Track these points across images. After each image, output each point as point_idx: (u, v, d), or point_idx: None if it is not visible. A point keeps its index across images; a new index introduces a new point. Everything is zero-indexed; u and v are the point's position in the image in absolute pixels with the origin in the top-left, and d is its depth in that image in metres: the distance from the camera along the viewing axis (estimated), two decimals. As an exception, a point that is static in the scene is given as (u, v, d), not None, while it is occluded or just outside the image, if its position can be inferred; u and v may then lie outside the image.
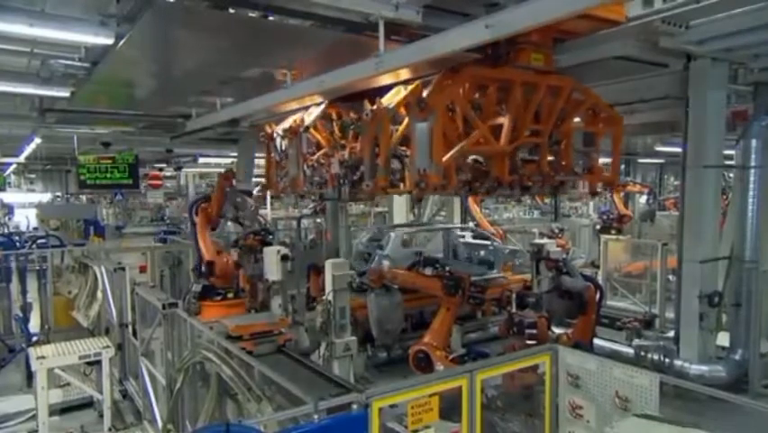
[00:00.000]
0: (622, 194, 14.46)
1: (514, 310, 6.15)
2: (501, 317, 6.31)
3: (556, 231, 13.56)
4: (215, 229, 7.39)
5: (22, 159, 17.16)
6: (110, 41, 4.96)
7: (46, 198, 24.12)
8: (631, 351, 6.57)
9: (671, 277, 8.06)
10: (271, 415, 3.38)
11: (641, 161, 17.09)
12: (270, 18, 4.69)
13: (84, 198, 22.56)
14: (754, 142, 6.14)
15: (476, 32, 3.74)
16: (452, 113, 4.54)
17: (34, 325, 8.80)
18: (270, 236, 6.66)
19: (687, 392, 3.74)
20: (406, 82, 4.84)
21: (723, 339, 6.34)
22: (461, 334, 6.27)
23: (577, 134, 5.18)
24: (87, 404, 6.90)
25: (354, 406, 2.95)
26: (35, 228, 18.62)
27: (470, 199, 11.25)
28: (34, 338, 8.22)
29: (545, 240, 7.35)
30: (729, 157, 6.83)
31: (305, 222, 14.40)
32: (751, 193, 6.18)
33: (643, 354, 6.30)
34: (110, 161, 12.08)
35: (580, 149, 5.23)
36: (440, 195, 10.64)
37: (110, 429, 6.17)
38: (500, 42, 4.34)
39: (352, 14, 4.47)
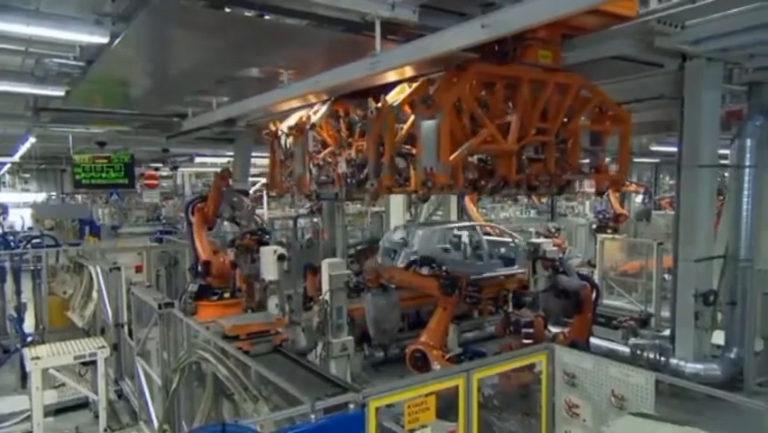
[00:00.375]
0: (618, 193, 14.50)
1: (511, 310, 6.17)
2: (498, 317, 6.32)
3: (553, 230, 13.61)
4: (212, 229, 7.40)
5: (16, 158, 17.10)
6: (105, 40, 4.94)
7: (41, 197, 24.01)
8: (627, 350, 6.59)
9: (666, 276, 8.09)
10: (268, 415, 3.38)
11: (636, 160, 17.11)
12: (266, 17, 4.68)
13: (79, 197, 22.47)
14: (748, 142, 6.17)
15: (472, 32, 3.74)
16: (459, 111, 4.51)
17: (29, 325, 8.76)
18: (267, 236, 6.67)
19: (682, 391, 3.76)
20: (411, 80, 4.83)
21: (718, 338, 6.38)
22: (457, 333, 6.27)
23: (584, 133, 5.18)
24: (83, 405, 6.88)
25: (351, 406, 2.95)
26: (30, 228, 18.53)
27: (467, 198, 11.26)
28: (29, 339, 8.19)
29: (542, 239, 7.36)
30: (724, 156, 6.86)
31: (301, 221, 14.40)
32: (745, 192, 6.21)
33: (639, 352, 6.33)
34: (105, 161, 12.05)
35: (587, 148, 5.23)
36: (442, 194, 10.64)
37: (105, 430, 6.15)
38: (507, 39, 4.31)
39: (349, 14, 4.46)
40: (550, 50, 4.58)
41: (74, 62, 6.02)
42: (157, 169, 20.17)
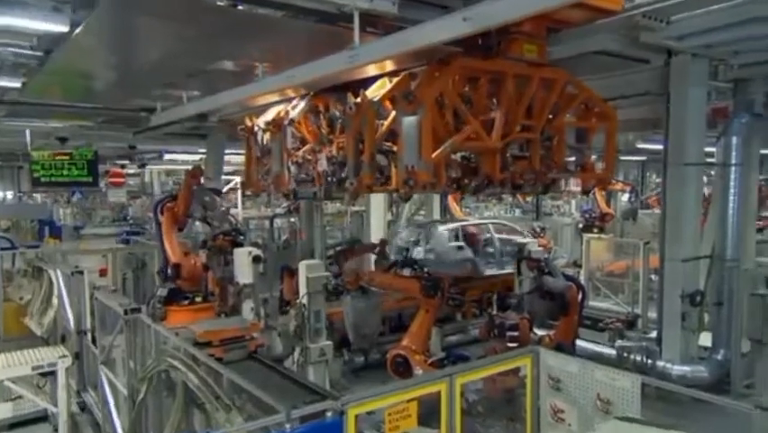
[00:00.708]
0: (604, 192, 14.73)
1: (495, 312, 6.22)
2: (482, 319, 6.38)
3: (538, 230, 13.77)
4: (182, 230, 7.33)
5: (-32, 155, 16.67)
6: (65, 29, 4.84)
7: (-4, 196, 23.44)
8: (613, 352, 6.70)
9: (653, 276, 8.25)
10: (241, 425, 3.36)
11: (623, 158, 17.44)
12: (240, 7, 4.65)
13: (38, 196, 22.00)
14: (734, 140, 6.31)
15: (454, 25, 3.76)
16: (442, 107, 4.53)
17: (-18, 333, 8.55)
18: (241, 237, 6.63)
19: (669, 394, 3.84)
20: (392, 74, 4.83)
21: (706, 339, 6.51)
22: (440, 337, 6.31)
23: (569, 130, 5.24)
24: (42, 418, 6.75)
25: (329, 413, 2.95)
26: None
27: (450, 197, 11.35)
28: (-17, 348, 7.99)
29: (527, 239, 7.46)
30: (711, 155, 7.01)
31: (278, 221, 14.32)
32: (732, 191, 6.34)
33: (625, 355, 6.43)
34: (67, 158, 11.81)
35: (573, 145, 5.30)
36: (424, 193, 10.72)
37: (67, 444, 6.04)
38: (491, 33, 4.34)
39: (326, 4, 4.45)
40: (535, 44, 4.62)
41: (30, 52, 5.87)
42: (123, 166, 19.86)
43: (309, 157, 5.53)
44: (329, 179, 5.14)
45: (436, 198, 11.79)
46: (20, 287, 8.60)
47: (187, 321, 5.31)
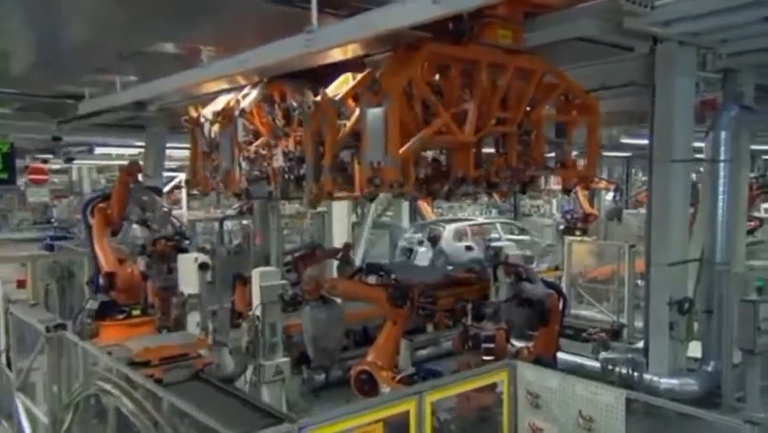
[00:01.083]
0: (587, 191, 15.10)
1: (470, 322, 6.30)
2: (456, 331, 6.45)
3: (516, 232, 14.01)
4: (117, 234, 7.23)
5: None
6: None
7: None
8: (597, 365, 6.85)
9: (639, 282, 8.47)
10: (186, 454, 3.32)
11: (606, 154, 17.88)
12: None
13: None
14: (723, 134, 6.50)
15: (423, 8, 3.79)
16: (410, 98, 4.56)
17: None
18: (187, 241, 6.58)
19: (657, 409, 3.96)
20: (356, 69, 4.83)
21: (695, 350, 6.69)
22: (410, 350, 6.36)
23: (548, 124, 5.34)
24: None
25: (286, 438, 2.95)
26: None
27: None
28: None
29: (504, 242, 7.60)
30: (700, 150, 7.24)
31: (229, 224, 14.17)
32: (721, 189, 6.51)
33: (610, 368, 6.57)
34: (-24, 151, 11.40)
35: (553, 140, 5.40)
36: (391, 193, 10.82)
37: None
38: (463, 16, 4.39)
39: (280, -19, 4.45)
40: (510, 29, 4.71)
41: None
42: (46, 161, 19.26)
43: (263, 152, 5.49)
44: (286, 176, 5.12)
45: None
46: None
47: (122, 338, 5.25)
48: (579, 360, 7.27)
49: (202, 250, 7.83)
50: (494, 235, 11.55)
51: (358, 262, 9.46)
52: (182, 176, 16.57)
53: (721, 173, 6.51)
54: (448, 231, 8.71)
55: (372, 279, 6.79)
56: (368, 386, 5.54)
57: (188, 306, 5.47)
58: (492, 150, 5.28)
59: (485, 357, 5.38)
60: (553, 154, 5.59)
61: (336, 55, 4.83)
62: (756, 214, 13.90)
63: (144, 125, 11.18)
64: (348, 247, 8.36)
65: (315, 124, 4.60)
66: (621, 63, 6.60)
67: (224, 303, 6.00)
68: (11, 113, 10.62)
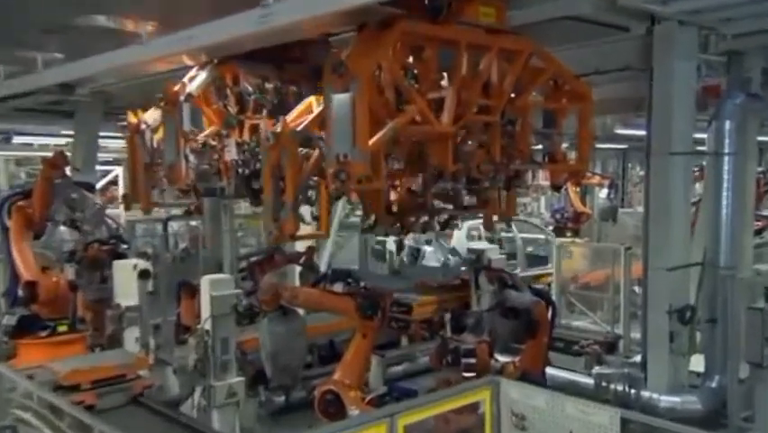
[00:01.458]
0: (578, 187, 15.27)
1: (449, 335, 6.31)
2: (433, 344, 6.45)
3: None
4: (40, 237, 7.11)
5: None
6: None
7: None
8: (591, 381, 6.91)
9: (636, 288, 8.57)
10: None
11: (600, 146, 18.13)
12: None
13: None
14: (727, 124, 6.56)
15: (394, -22, 3.80)
16: (380, 82, 4.56)
17: None
18: (124, 246, 6.50)
19: (656, 430, 3.99)
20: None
21: (698, 363, 6.77)
22: (381, 367, 6.36)
23: (536, 112, 5.36)
24: None
25: (237, 470, 2.91)
26: None
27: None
28: None
29: (486, 245, 7.63)
30: (703, 142, 7.34)
31: (174, 225, 14.01)
32: (725, 185, 6.58)
33: (604, 384, 6.62)
34: None
35: (540, 130, 5.43)
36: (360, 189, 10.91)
37: None
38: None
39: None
40: (493, 6, 4.73)
41: None
42: (-49, 152, 18.89)
43: (213, 143, 5.46)
44: (240, 171, 5.08)
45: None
46: None
47: (45, 359, 5.15)
48: (570, 376, 7.35)
49: (142, 255, 7.73)
50: (507, 235, 11.65)
51: (323, 267, 9.39)
52: (119, 169, 16.37)
53: (725, 167, 6.57)
54: (463, 229, 8.93)
55: (339, 286, 6.76)
56: (334, 408, 5.51)
57: (126, 320, 5.42)
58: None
59: (465, 374, 5.40)
60: (540, 146, 5.61)
61: (296, 34, 4.80)
62: (764, 212, 14.11)
63: (73, 111, 10.99)
64: (312, 251, 8.31)
65: (274, 157, 4.61)
66: (616, 45, 6.66)
67: (167, 316, 5.96)
68: None
